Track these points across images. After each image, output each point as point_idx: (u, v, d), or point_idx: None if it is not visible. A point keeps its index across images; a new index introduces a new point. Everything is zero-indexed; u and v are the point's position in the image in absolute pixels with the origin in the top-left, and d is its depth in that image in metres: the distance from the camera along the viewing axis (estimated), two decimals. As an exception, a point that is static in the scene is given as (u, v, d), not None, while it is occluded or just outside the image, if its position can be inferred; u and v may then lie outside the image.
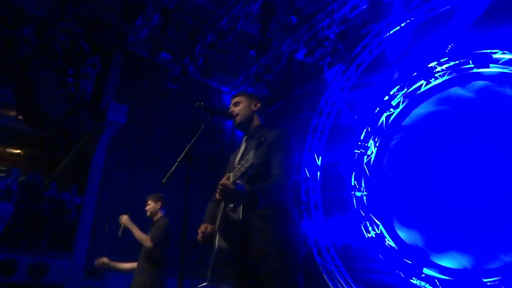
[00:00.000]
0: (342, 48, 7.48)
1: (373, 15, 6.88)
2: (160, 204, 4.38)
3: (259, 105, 2.59)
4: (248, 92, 2.68)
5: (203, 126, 2.32)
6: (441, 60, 6.70)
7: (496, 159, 5.98)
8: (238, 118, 2.52)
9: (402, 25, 6.98)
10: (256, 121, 2.57)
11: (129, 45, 8.04)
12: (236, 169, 2.03)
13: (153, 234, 4.11)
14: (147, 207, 4.34)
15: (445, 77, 6.73)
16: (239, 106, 2.55)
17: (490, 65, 6.08)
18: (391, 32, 7.12)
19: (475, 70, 6.28)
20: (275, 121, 8.54)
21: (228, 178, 2.03)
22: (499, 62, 6.01)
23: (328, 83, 8.07)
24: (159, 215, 4.32)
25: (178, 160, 2.17)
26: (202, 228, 2.31)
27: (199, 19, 7.77)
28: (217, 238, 2.16)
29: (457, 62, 6.53)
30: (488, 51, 6.07)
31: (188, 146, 2.21)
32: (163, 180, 2.14)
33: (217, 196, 2.07)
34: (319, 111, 8.14)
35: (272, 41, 7.41)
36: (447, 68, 6.68)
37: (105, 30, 7.92)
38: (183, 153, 2.18)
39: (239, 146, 2.59)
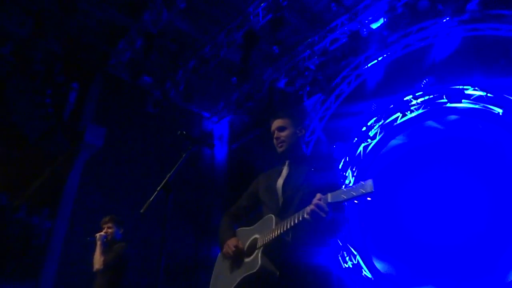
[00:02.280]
0: (321, 78, 7.66)
1: (352, 49, 7.11)
2: (122, 230, 4.24)
3: (304, 131, 2.43)
4: (293, 115, 2.46)
5: (184, 156, 2.30)
6: (416, 94, 6.94)
7: (472, 191, 6.11)
8: (285, 146, 2.37)
9: (380, 59, 7.24)
10: (300, 149, 2.42)
11: (110, 68, 7.98)
12: (340, 191, 1.93)
13: (107, 257, 3.92)
14: (109, 230, 4.11)
15: (420, 111, 6.95)
16: (285, 132, 2.38)
17: (463, 100, 6.33)
18: (369, 65, 7.37)
19: (448, 104, 6.52)
20: (255, 148, 8.53)
21: (320, 199, 1.94)
22: (471, 98, 6.26)
23: (307, 112, 8.20)
24: (117, 239, 4.16)
25: (158, 189, 2.13)
26: (234, 241, 2.25)
27: (183, 45, 7.83)
28: (259, 256, 2.11)
29: (431, 96, 6.78)
30: (461, 87, 6.34)
31: (168, 175, 2.18)
32: (141, 210, 2.09)
33: (306, 215, 1.97)
34: (299, 139, 8.21)
35: (253, 70, 7.53)
36: (421, 102, 6.91)
37: (87, 52, 7.85)
38: (163, 183, 2.15)
39: (277, 167, 2.46)
